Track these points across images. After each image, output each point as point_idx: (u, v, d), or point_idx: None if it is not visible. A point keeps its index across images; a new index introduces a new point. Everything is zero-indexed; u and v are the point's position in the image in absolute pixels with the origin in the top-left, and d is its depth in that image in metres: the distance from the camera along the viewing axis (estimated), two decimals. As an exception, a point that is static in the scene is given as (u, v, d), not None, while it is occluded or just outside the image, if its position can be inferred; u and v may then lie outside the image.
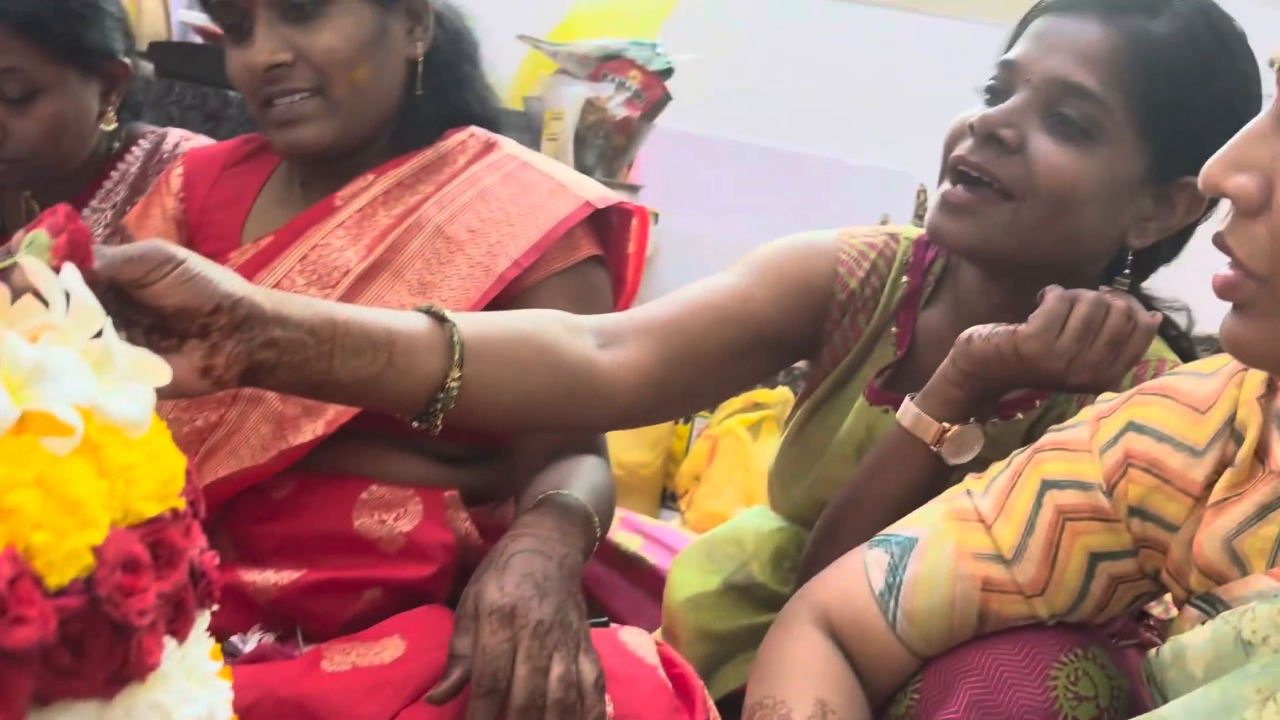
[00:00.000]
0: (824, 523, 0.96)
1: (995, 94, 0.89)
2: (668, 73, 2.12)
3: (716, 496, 1.99)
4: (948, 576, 0.75)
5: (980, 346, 0.84)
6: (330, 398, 0.82)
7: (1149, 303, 0.94)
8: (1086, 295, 0.83)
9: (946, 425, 0.86)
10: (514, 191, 1.03)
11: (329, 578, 0.93)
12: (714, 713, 0.88)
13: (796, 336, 1.00)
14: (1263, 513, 0.65)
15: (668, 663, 0.91)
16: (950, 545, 0.76)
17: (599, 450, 1.04)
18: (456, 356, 0.78)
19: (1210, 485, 0.69)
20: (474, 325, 0.81)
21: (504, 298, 0.99)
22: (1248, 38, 0.88)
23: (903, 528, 0.81)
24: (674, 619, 1.07)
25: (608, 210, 1.04)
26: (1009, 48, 0.91)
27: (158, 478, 0.51)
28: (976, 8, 2.35)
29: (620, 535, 1.30)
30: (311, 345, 0.73)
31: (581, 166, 2.10)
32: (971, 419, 0.87)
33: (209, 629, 0.55)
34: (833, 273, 0.99)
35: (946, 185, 0.89)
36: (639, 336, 0.90)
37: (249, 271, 1.01)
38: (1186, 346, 0.94)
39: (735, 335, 0.94)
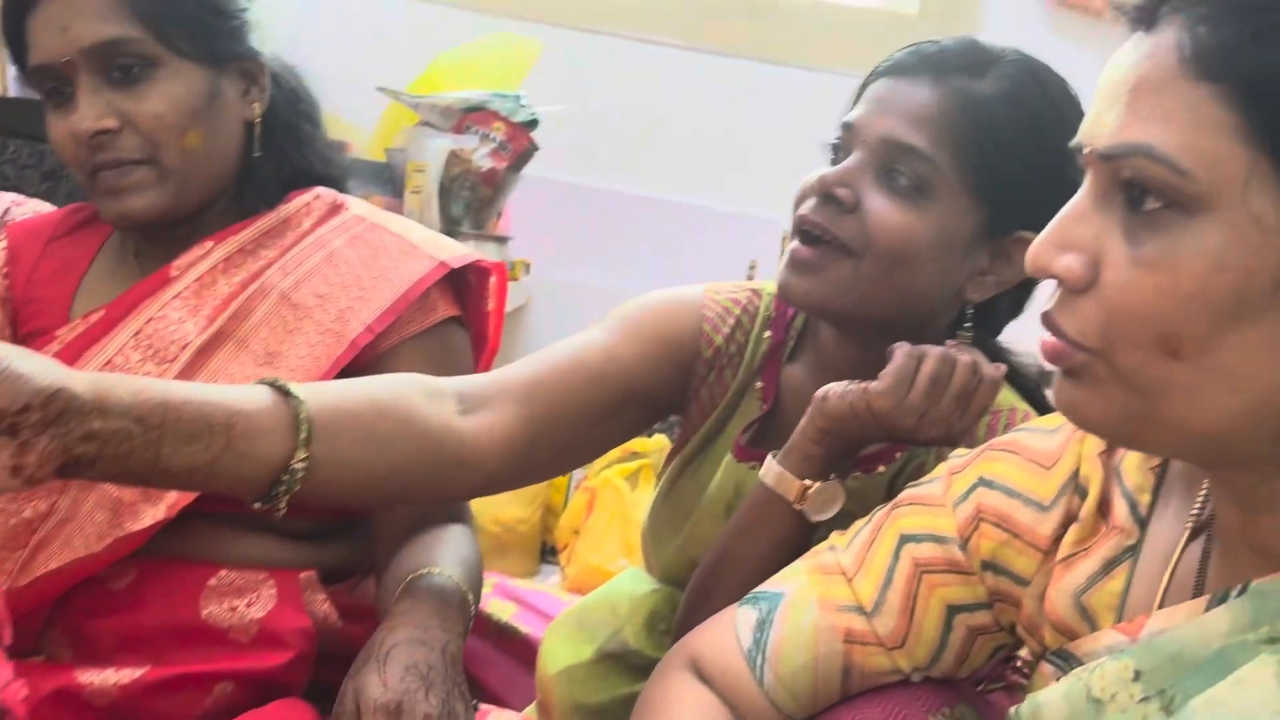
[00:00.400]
0: (695, 584, 0.95)
1: (837, 153, 0.92)
2: (533, 124, 2.11)
3: (597, 550, 1.96)
4: (811, 631, 0.75)
5: (836, 405, 0.85)
6: (160, 486, 0.78)
7: (1001, 355, 0.96)
8: (933, 351, 0.85)
9: (808, 483, 0.86)
10: (363, 254, 1.00)
11: (176, 673, 0.88)
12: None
13: (664, 393, 0.99)
14: (1108, 568, 0.66)
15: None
16: (814, 599, 0.76)
17: (463, 516, 1.01)
18: (303, 435, 0.74)
19: (1058, 540, 0.69)
20: (324, 398, 0.77)
21: (357, 364, 0.95)
22: (1078, 98, 0.91)
23: (771, 585, 0.80)
24: (547, 692, 1.04)
25: (465, 269, 1.02)
26: (851, 108, 0.94)
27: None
28: (832, 59, 2.43)
29: (493, 604, 1.27)
30: (138, 434, 0.68)
31: (448, 218, 2.07)
32: (832, 475, 0.87)
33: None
34: (698, 329, 0.99)
35: (795, 243, 0.90)
36: (504, 399, 0.87)
37: (79, 349, 0.95)
38: (1040, 397, 0.97)
39: (603, 394, 0.93)
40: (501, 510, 2.09)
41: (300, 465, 0.74)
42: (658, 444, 2.10)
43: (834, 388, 0.86)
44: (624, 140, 2.51)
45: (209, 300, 0.97)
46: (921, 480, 0.78)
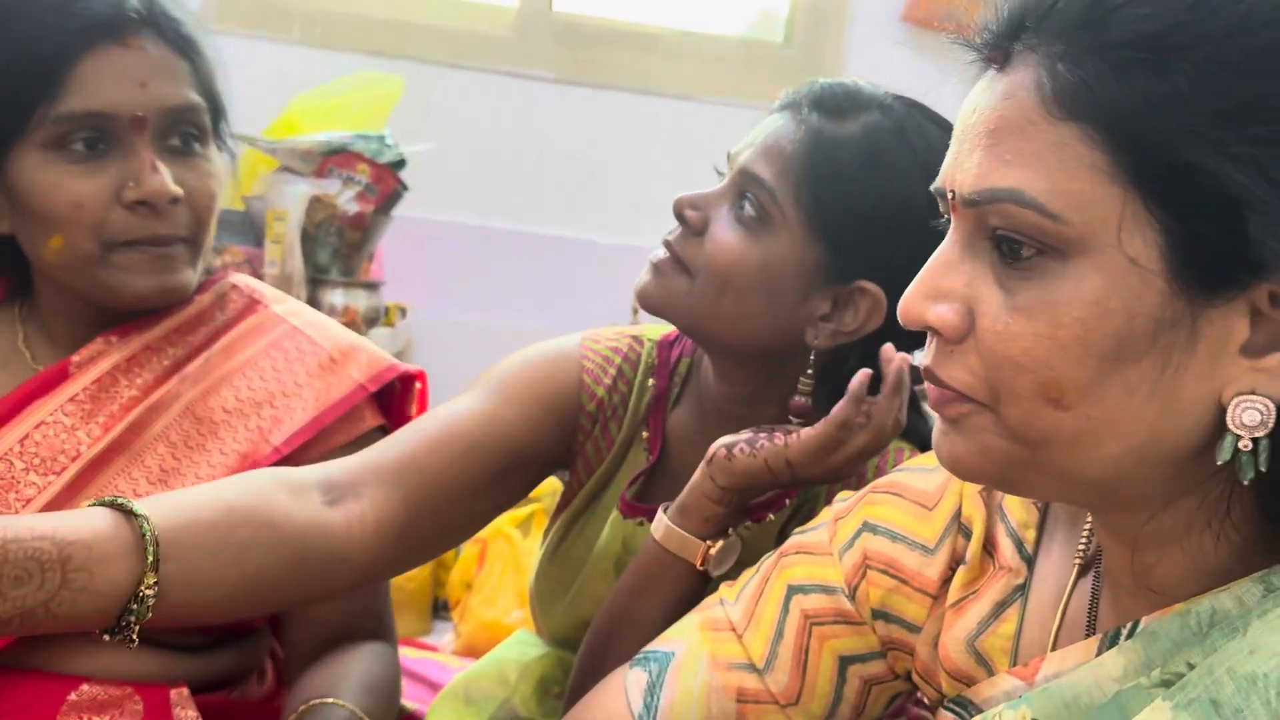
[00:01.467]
0: (588, 646, 0.90)
1: (719, 179, 0.92)
2: (399, 164, 2.04)
3: (491, 604, 1.88)
4: (704, 692, 0.71)
5: (745, 462, 0.82)
6: None
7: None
8: (870, 424, 0.82)
9: (708, 543, 0.84)
10: (280, 365, 0.93)
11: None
12: None
13: (548, 452, 0.95)
14: (998, 610, 0.64)
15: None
16: (704, 658, 0.72)
17: (382, 633, 0.95)
18: (150, 560, 0.67)
19: (946, 583, 0.67)
20: (172, 513, 0.70)
21: None
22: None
23: (660, 643, 0.76)
24: None
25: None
26: None
27: None
28: (702, 88, 2.43)
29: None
30: None
31: (315, 266, 1.98)
32: (730, 529, 0.85)
33: None
34: (578, 382, 0.95)
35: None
36: (373, 483, 0.81)
37: None
38: (927, 432, 0.96)
39: (484, 462, 0.88)
40: (390, 567, 2.00)
41: (150, 591, 0.67)
42: (550, 486, 2.03)
43: (733, 442, 0.83)
44: (497, 176, 2.47)
45: (106, 406, 0.89)
46: (806, 527, 0.76)
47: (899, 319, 0.57)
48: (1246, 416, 0.50)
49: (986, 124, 0.52)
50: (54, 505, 0.85)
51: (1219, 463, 0.50)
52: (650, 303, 0.90)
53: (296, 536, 0.75)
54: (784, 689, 0.70)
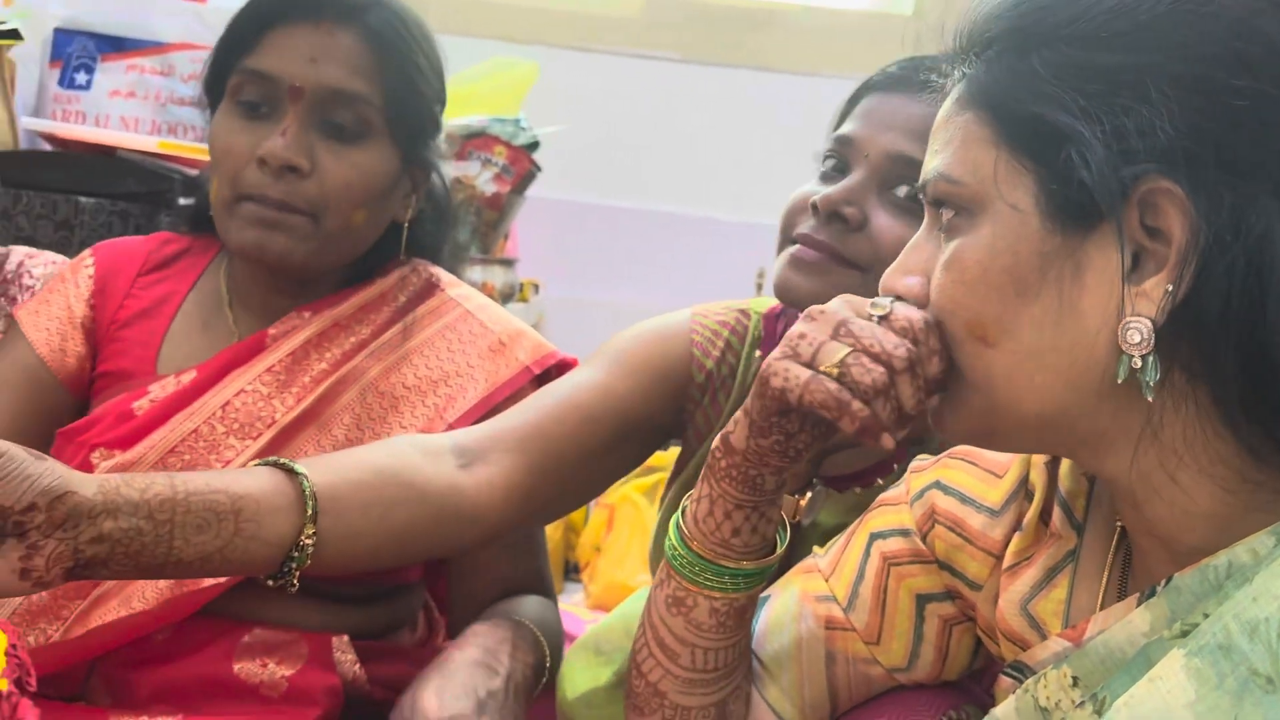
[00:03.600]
0: None
1: (830, 169, 0.92)
2: (533, 146, 2.13)
3: (619, 566, 1.97)
4: (793, 617, 0.77)
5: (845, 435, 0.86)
6: (174, 577, 0.79)
7: None
8: None
9: (799, 496, 0.90)
10: (454, 346, 1.01)
11: (209, 726, 0.90)
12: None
13: (661, 421, 1.00)
14: (1050, 575, 0.68)
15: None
16: (795, 591, 0.78)
17: (542, 587, 1.03)
18: (309, 512, 0.76)
19: (1008, 545, 0.71)
20: (328, 472, 0.79)
21: None
22: None
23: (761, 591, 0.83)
24: (567, 717, 1.05)
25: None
26: (840, 123, 0.94)
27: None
28: (827, 64, 2.44)
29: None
30: (149, 530, 0.70)
31: (455, 244, 2.09)
32: (814, 480, 0.90)
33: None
34: (688, 355, 1.00)
35: (795, 247, 0.90)
36: (501, 450, 0.89)
37: (168, 410, 0.95)
38: None
39: (600, 431, 0.94)
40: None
41: (309, 541, 0.76)
42: (673, 455, 2.11)
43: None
44: (626, 156, 2.53)
45: (298, 378, 0.97)
46: (891, 487, 0.80)
47: (879, 290, 0.67)
48: (1130, 335, 0.57)
49: (933, 129, 0.66)
50: None
51: (1118, 381, 0.57)
52: (815, 300, 0.85)
53: (435, 496, 0.83)
54: (865, 627, 0.75)
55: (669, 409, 0.99)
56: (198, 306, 1.03)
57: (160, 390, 0.97)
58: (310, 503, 0.76)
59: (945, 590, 0.75)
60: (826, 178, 0.92)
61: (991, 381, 0.61)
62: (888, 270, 0.67)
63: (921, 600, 0.75)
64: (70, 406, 1.01)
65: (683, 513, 0.74)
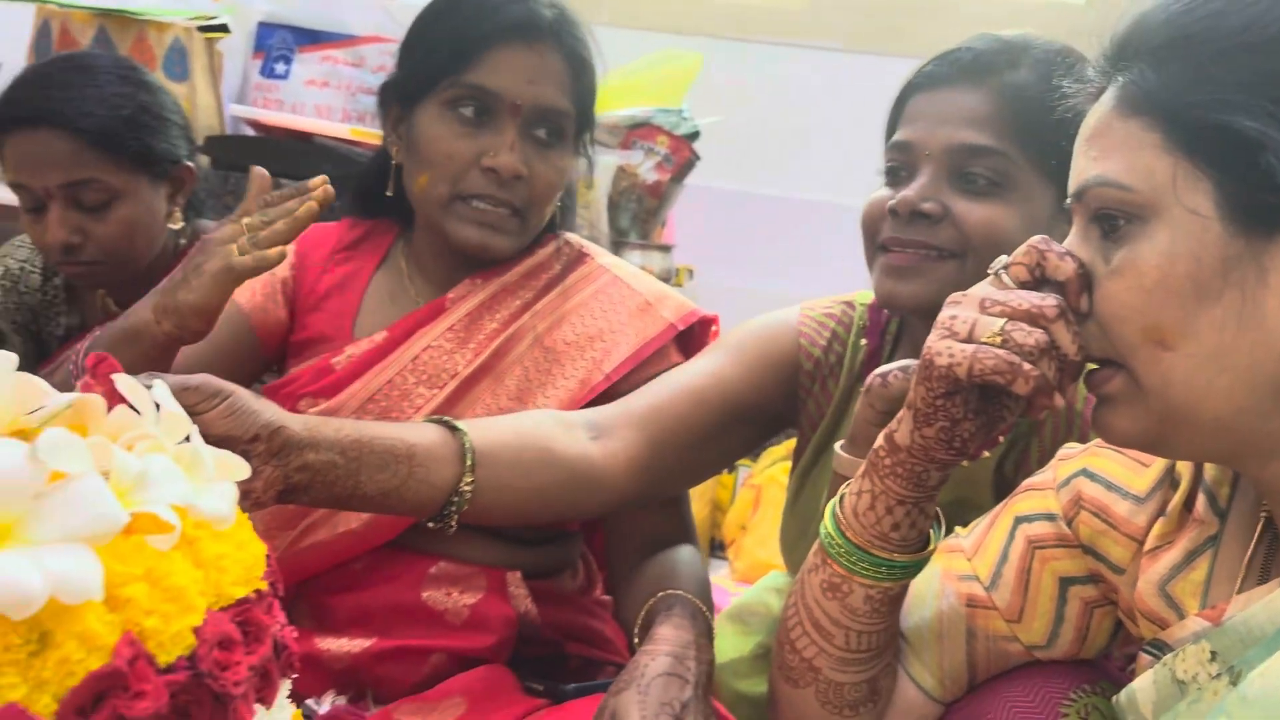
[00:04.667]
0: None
1: (896, 174, 0.96)
2: (694, 135, 2.20)
3: (763, 545, 2.03)
4: (935, 594, 0.80)
5: (899, 386, 0.88)
6: (356, 509, 0.89)
7: None
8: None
9: None
10: (605, 307, 1.11)
11: (398, 645, 1.00)
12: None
13: (771, 408, 1.06)
14: (1190, 558, 0.70)
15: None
16: (937, 569, 0.82)
17: (690, 537, 1.11)
18: (469, 463, 0.87)
19: (1150, 531, 0.73)
20: (483, 433, 0.89)
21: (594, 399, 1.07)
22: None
23: None
24: (713, 685, 1.11)
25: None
26: (891, 131, 0.98)
27: (244, 564, 0.58)
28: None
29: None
30: (341, 465, 0.81)
31: (616, 230, 2.18)
32: None
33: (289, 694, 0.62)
34: (795, 345, 1.06)
35: (883, 257, 0.95)
36: (625, 426, 0.98)
37: (364, 365, 1.07)
38: None
39: (711, 414, 1.01)
40: (671, 506, 2.18)
41: (468, 488, 0.87)
42: (821, 442, 2.15)
43: (889, 370, 0.89)
44: (783, 145, 2.56)
45: (475, 335, 1.09)
46: (1036, 473, 0.83)
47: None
48: None
49: (1086, 134, 0.67)
50: (436, 413, 1.05)
51: None
52: (915, 301, 0.93)
53: (569, 462, 0.92)
54: (1007, 605, 0.78)
55: (778, 395, 1.06)
56: (384, 281, 1.15)
57: (355, 349, 1.09)
58: (469, 455, 0.86)
59: (1088, 574, 0.77)
60: (894, 185, 0.96)
61: (1169, 386, 0.62)
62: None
63: (1065, 583, 0.77)
64: (261, 363, 1.14)
65: (840, 502, 0.77)
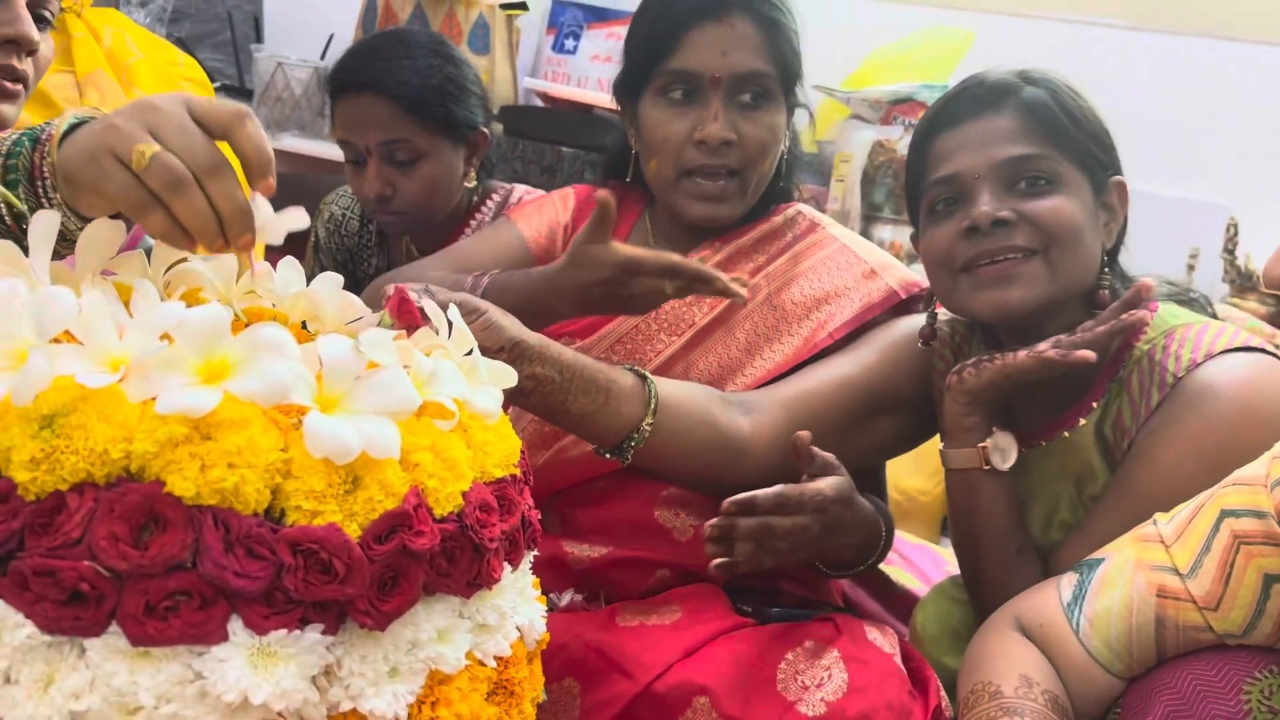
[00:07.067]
0: (963, 569, 1.09)
1: (949, 207, 1.04)
2: (959, 113, 2.18)
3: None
4: (1126, 581, 0.83)
5: (973, 380, 1.02)
6: (559, 423, 1.02)
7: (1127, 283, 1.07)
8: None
9: (980, 445, 1.02)
10: (834, 272, 1.20)
11: (630, 556, 1.13)
12: (946, 702, 0.99)
13: (910, 399, 1.13)
14: None
15: (907, 656, 1.03)
16: (1130, 557, 0.84)
17: (880, 488, 1.21)
18: (652, 406, 1.01)
19: None
20: (665, 386, 1.03)
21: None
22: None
23: (1095, 554, 0.89)
24: (920, 646, 1.16)
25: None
26: (918, 173, 1.07)
27: (503, 452, 0.72)
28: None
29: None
30: (558, 382, 0.96)
31: (869, 205, 2.21)
32: (993, 429, 1.02)
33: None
34: (938, 324, 1.13)
35: (971, 274, 1.03)
36: (772, 406, 1.08)
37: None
38: (1187, 301, 1.10)
39: (853, 402, 1.10)
40: (904, 479, 2.21)
41: (648, 427, 1.01)
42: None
43: (964, 366, 1.02)
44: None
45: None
46: (1247, 466, 0.82)
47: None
48: None
49: None
50: (675, 358, 1.18)
51: None
52: (1024, 304, 0.99)
53: (721, 429, 1.05)
54: (1205, 594, 0.79)
55: (915, 386, 1.13)
56: (635, 240, 1.27)
57: None
58: (654, 400, 1.01)
59: None
60: (943, 215, 1.04)
61: None
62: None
63: (1270, 579, 0.77)
64: None
65: None
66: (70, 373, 0.57)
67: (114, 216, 0.69)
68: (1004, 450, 1.02)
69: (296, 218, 0.72)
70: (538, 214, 1.31)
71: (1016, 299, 1.00)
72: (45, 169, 0.69)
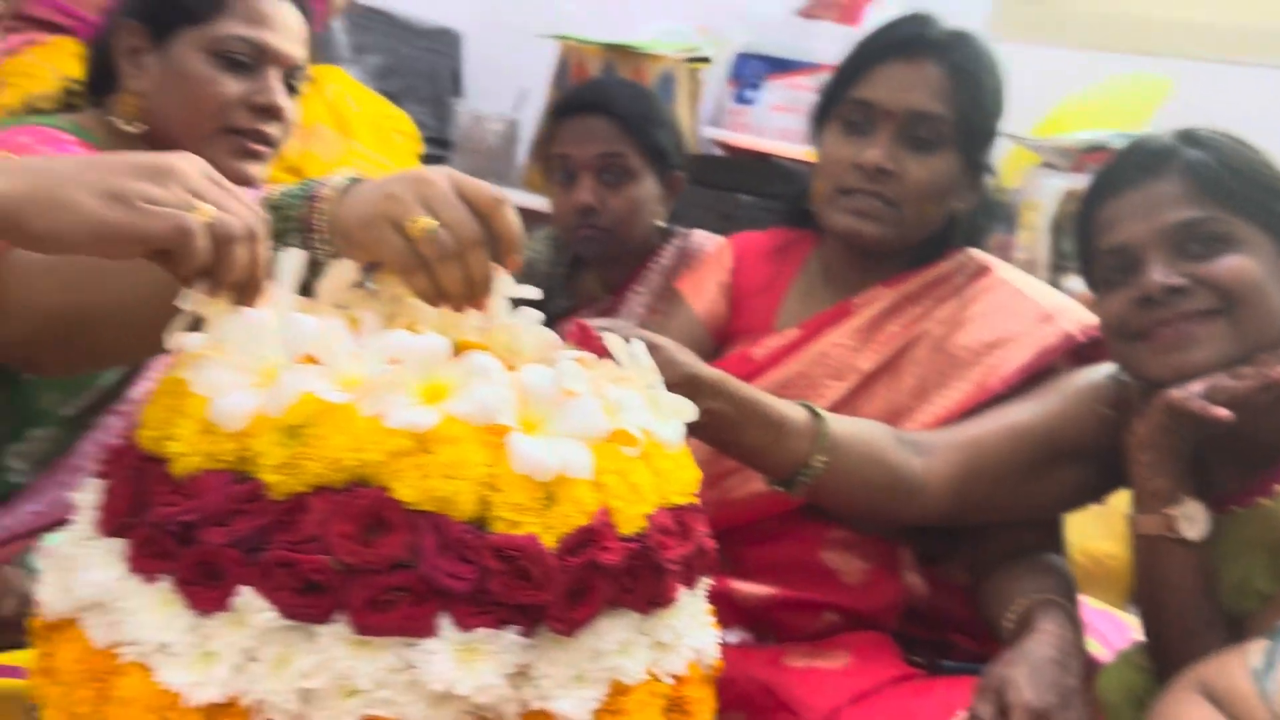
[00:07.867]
0: (1149, 636, 1.04)
1: (1121, 274, 1.01)
2: (1156, 161, 2.11)
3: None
4: None
5: (1145, 433, 0.98)
6: (731, 455, 1.05)
7: None
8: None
9: (1167, 512, 0.96)
10: (1006, 316, 1.18)
11: (797, 597, 1.15)
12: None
13: (1094, 446, 1.08)
14: None
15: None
16: None
17: (1059, 549, 1.17)
18: (823, 444, 1.01)
19: None
20: (838, 424, 1.04)
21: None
22: None
23: None
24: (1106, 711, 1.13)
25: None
26: (1087, 237, 1.06)
27: (683, 481, 0.76)
28: None
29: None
30: (733, 415, 0.99)
31: (1058, 254, 2.16)
32: (1183, 497, 0.97)
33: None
34: (1115, 381, 1.08)
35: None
36: (945, 449, 1.07)
37: (779, 357, 1.23)
38: None
39: (1031, 450, 1.07)
40: (1091, 543, 2.11)
41: (819, 463, 1.01)
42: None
43: (1142, 426, 0.99)
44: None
45: (876, 337, 1.21)
46: None
47: None
48: None
49: None
50: (840, 404, 1.18)
51: None
52: (1212, 365, 0.95)
53: (894, 469, 1.05)
54: None
55: (1100, 433, 1.08)
56: (801, 283, 1.30)
57: (772, 342, 1.25)
58: (825, 437, 1.01)
59: None
60: (1116, 284, 1.02)
61: None
62: None
63: None
64: (711, 350, 1.33)
65: None
66: (313, 390, 0.65)
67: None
68: (1194, 519, 0.98)
69: (530, 291, 0.82)
70: (703, 283, 1.35)
71: (1199, 360, 0.97)
72: (317, 223, 0.78)
